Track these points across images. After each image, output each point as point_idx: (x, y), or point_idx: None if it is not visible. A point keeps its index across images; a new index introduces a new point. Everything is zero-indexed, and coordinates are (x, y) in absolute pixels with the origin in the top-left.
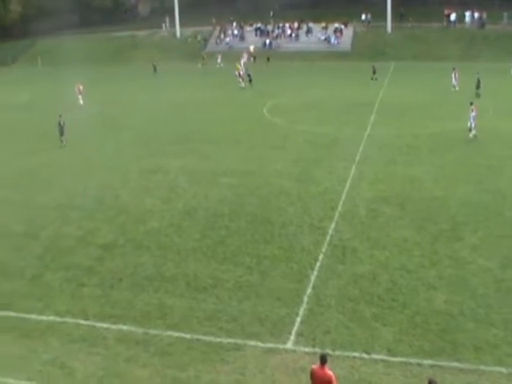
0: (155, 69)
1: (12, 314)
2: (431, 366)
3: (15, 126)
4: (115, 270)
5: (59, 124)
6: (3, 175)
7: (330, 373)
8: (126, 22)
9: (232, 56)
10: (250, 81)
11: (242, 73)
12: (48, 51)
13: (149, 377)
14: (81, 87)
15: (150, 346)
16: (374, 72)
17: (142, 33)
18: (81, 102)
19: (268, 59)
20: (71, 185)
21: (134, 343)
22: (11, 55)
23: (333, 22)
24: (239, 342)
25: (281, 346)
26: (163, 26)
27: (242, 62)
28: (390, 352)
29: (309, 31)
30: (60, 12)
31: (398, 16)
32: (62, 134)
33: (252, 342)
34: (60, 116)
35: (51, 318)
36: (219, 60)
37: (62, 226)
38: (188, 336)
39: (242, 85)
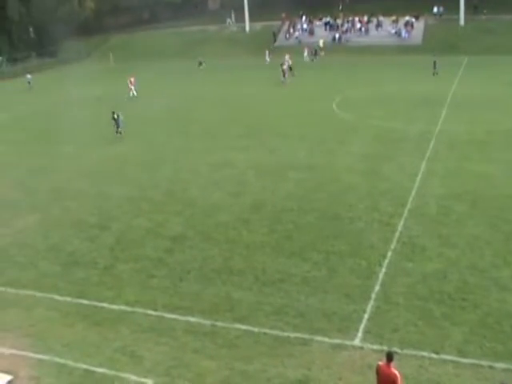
0: (200, 64)
1: (85, 301)
2: (504, 370)
3: (89, 119)
4: (184, 262)
5: (113, 118)
6: (78, 167)
7: (396, 372)
8: (196, 17)
9: (301, 51)
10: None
11: (285, 68)
12: (120, 47)
13: (216, 368)
14: (132, 80)
15: (218, 338)
16: (435, 67)
17: (211, 27)
18: (131, 94)
19: (315, 53)
20: (142, 177)
21: (201, 335)
22: (85, 51)
23: (403, 15)
24: (306, 337)
25: (348, 343)
26: (228, 21)
27: (287, 56)
28: (460, 353)
29: (379, 25)
30: (131, 8)
31: (472, 8)
32: (118, 126)
33: (319, 338)
34: (113, 112)
35: (122, 307)
36: (267, 57)
37: (133, 218)
38: (255, 329)
39: (282, 79)
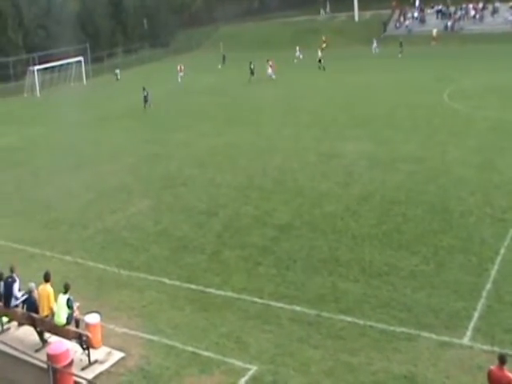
0: (224, 59)
1: (193, 286)
2: None
3: (202, 108)
4: (290, 251)
5: (144, 95)
6: (189, 155)
7: (510, 375)
8: (305, 7)
9: (411, 40)
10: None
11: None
12: (229, 36)
13: (320, 358)
14: (182, 67)
15: (323, 329)
16: None
17: (321, 17)
18: (179, 79)
19: (401, 44)
20: (251, 165)
21: (306, 324)
22: (195, 41)
23: None
24: (412, 332)
25: (456, 341)
26: (321, 11)
27: (319, 50)
28: None
29: (495, 11)
30: None
31: None
32: (146, 101)
33: (425, 334)
34: (144, 88)
35: (228, 293)
36: (298, 53)
37: (241, 206)
38: (361, 322)
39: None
